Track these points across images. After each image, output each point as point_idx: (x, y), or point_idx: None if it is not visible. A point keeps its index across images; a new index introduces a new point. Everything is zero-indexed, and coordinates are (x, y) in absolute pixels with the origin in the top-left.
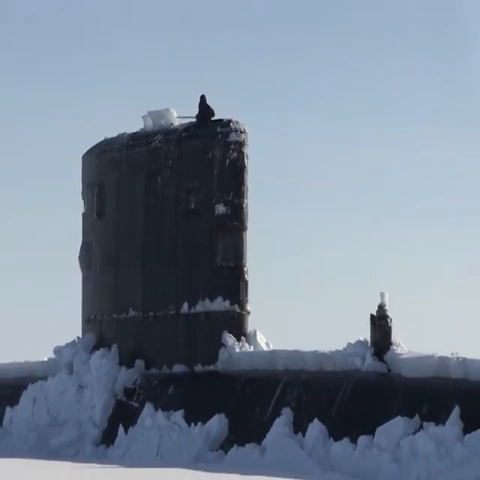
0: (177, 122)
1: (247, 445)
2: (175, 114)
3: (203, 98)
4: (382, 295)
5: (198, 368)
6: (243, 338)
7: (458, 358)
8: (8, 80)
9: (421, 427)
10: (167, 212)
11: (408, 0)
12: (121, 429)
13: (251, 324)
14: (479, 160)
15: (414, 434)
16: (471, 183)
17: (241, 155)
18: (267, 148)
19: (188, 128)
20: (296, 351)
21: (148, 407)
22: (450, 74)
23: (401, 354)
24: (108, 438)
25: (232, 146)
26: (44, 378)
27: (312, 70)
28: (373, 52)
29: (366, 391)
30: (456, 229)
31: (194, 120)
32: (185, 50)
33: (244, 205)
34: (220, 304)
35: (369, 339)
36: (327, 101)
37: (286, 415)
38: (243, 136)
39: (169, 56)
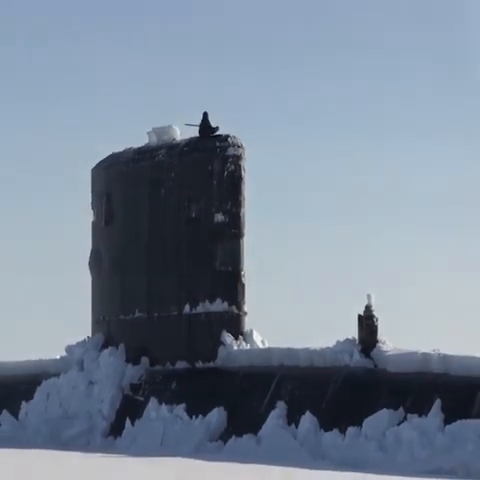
0: (179, 137)
1: (244, 436)
2: (177, 130)
3: (205, 115)
4: (369, 297)
5: (199, 364)
6: (240, 337)
7: (439, 354)
8: (25, 99)
9: (405, 418)
10: (170, 220)
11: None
12: (128, 421)
13: (248, 324)
14: (457, 160)
15: (399, 425)
16: (453, 188)
17: (238, 168)
18: (264, 161)
19: (189, 143)
20: (289, 349)
21: (153, 401)
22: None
23: (386, 351)
24: (116, 430)
25: (230, 159)
26: (57, 375)
27: (307, 86)
28: (372, 66)
29: (354, 385)
30: (437, 234)
31: (198, 129)
32: (187, 71)
33: (241, 214)
34: (219, 305)
35: (357, 337)
36: (319, 116)
37: (280, 408)
38: (240, 150)
39: (172, 76)
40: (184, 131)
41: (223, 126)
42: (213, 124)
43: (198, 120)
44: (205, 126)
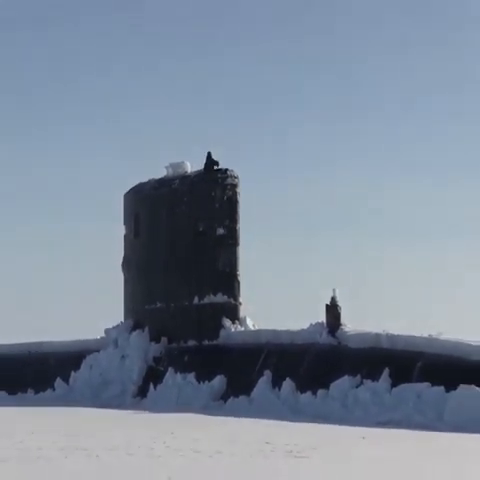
0: (190, 170)
1: (240, 397)
2: (189, 165)
3: (209, 154)
4: (334, 290)
5: (205, 343)
6: (237, 321)
7: (387, 334)
8: (84, 145)
9: (362, 383)
10: (183, 234)
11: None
12: (151, 386)
13: (242, 312)
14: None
15: (357, 387)
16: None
17: (235, 193)
18: (255, 187)
19: (198, 175)
20: (274, 330)
21: (170, 371)
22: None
23: (348, 331)
24: (142, 392)
25: (228, 187)
26: (98, 351)
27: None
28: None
29: (323, 358)
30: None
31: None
32: (196, 117)
33: (237, 228)
34: (220, 298)
35: (325, 321)
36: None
37: (267, 375)
38: (236, 180)
39: (184, 123)
40: (194, 166)
41: (224, 160)
42: (215, 158)
43: (205, 154)
44: (209, 163)
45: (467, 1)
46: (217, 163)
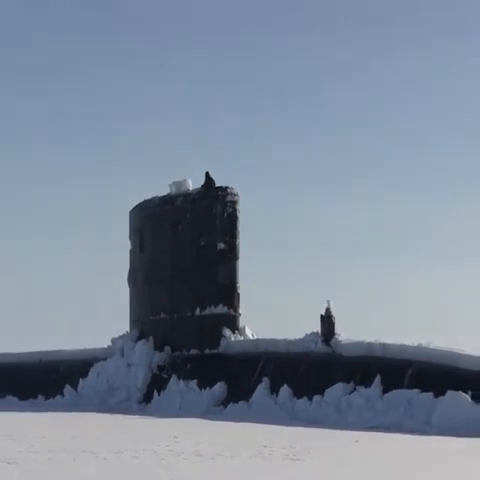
0: (192, 188)
1: (239, 402)
2: (191, 183)
3: (207, 173)
4: (328, 302)
5: (207, 351)
6: (236, 331)
7: (379, 343)
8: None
9: (355, 389)
10: (185, 248)
11: None
12: (155, 392)
13: (242, 322)
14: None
15: (350, 394)
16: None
17: (235, 210)
18: (254, 205)
19: (199, 192)
20: (272, 339)
21: (173, 378)
22: None
23: (341, 340)
24: (147, 398)
25: (229, 204)
26: (105, 359)
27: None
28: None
29: (318, 365)
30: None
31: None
32: (197, 141)
33: (237, 243)
34: (221, 309)
35: (320, 331)
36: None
37: (265, 382)
38: (236, 197)
39: (186, 146)
40: (195, 184)
41: (224, 179)
42: (214, 177)
43: (204, 176)
44: (207, 181)
45: None
46: (214, 182)
